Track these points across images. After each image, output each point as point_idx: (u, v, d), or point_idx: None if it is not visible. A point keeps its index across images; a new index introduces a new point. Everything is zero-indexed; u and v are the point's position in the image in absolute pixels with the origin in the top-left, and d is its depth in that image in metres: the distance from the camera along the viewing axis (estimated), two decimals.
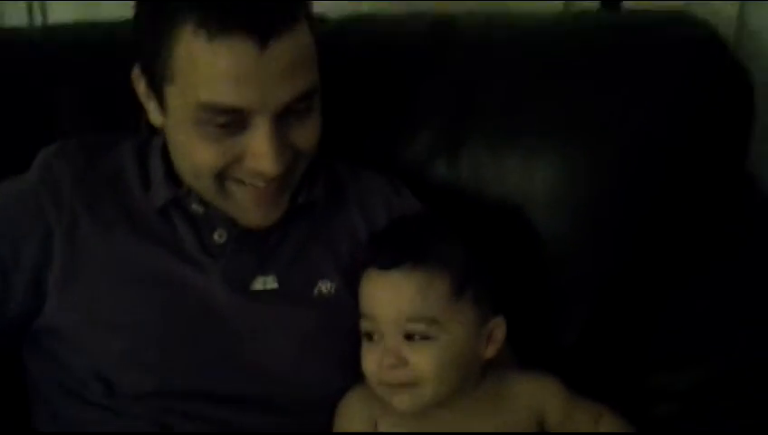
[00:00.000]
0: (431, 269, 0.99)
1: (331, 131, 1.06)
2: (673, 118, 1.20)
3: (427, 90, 1.24)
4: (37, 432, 1.08)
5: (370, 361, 1.00)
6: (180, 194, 1.06)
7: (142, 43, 1.00)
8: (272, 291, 1.06)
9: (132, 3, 1.01)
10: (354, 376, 1.04)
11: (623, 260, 1.23)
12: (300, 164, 1.04)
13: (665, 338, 1.17)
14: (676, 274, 1.21)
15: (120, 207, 1.06)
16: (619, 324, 1.22)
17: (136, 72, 1.03)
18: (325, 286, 1.08)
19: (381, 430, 1.02)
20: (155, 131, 1.09)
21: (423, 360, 0.98)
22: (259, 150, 0.96)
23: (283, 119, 0.97)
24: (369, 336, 1.01)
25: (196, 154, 0.99)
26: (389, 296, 0.99)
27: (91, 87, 1.25)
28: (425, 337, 0.98)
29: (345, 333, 1.04)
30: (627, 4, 1.43)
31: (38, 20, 1.50)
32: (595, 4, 1.45)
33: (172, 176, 1.07)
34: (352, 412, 1.04)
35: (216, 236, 1.06)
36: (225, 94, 0.93)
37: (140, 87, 1.04)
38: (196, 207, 1.06)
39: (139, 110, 1.06)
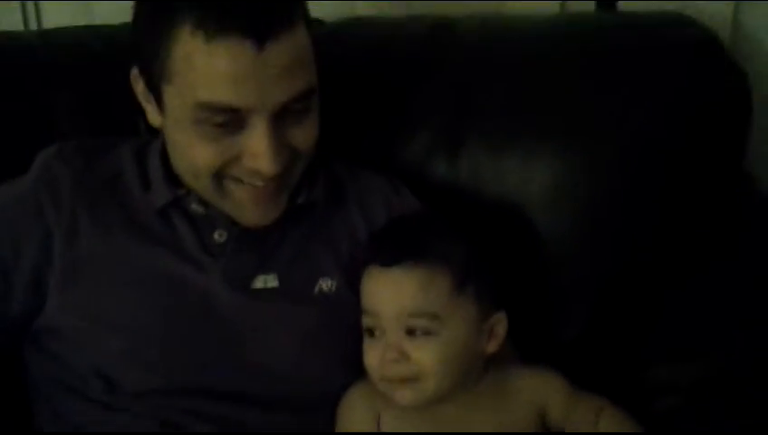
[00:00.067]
0: (432, 265, 0.99)
1: (331, 132, 1.07)
2: (671, 119, 1.20)
3: (427, 91, 1.25)
4: (38, 432, 1.07)
5: (372, 356, 1.00)
6: (180, 194, 1.06)
7: (141, 43, 1.00)
8: (272, 289, 1.06)
9: (127, 5, 1.01)
10: (355, 373, 1.04)
11: (622, 260, 1.23)
12: (298, 164, 1.04)
13: (665, 333, 1.17)
14: (675, 273, 1.21)
15: (119, 209, 1.06)
16: (618, 322, 1.22)
17: (134, 73, 1.04)
18: (326, 284, 1.08)
19: (384, 424, 1.02)
20: (154, 134, 1.09)
21: (425, 355, 0.98)
22: (257, 150, 0.97)
23: (281, 119, 0.97)
24: (371, 332, 1.01)
25: (194, 153, 0.99)
26: (391, 293, 0.99)
27: (89, 91, 1.25)
28: (426, 332, 0.98)
29: (346, 330, 1.04)
30: (622, 5, 1.43)
31: (32, 23, 1.51)
32: (591, 5, 1.45)
33: (171, 177, 1.07)
34: (355, 408, 1.04)
35: (216, 236, 1.06)
36: (223, 94, 0.94)
37: (139, 87, 1.04)
38: (195, 207, 1.06)
39: (138, 113, 1.06)
